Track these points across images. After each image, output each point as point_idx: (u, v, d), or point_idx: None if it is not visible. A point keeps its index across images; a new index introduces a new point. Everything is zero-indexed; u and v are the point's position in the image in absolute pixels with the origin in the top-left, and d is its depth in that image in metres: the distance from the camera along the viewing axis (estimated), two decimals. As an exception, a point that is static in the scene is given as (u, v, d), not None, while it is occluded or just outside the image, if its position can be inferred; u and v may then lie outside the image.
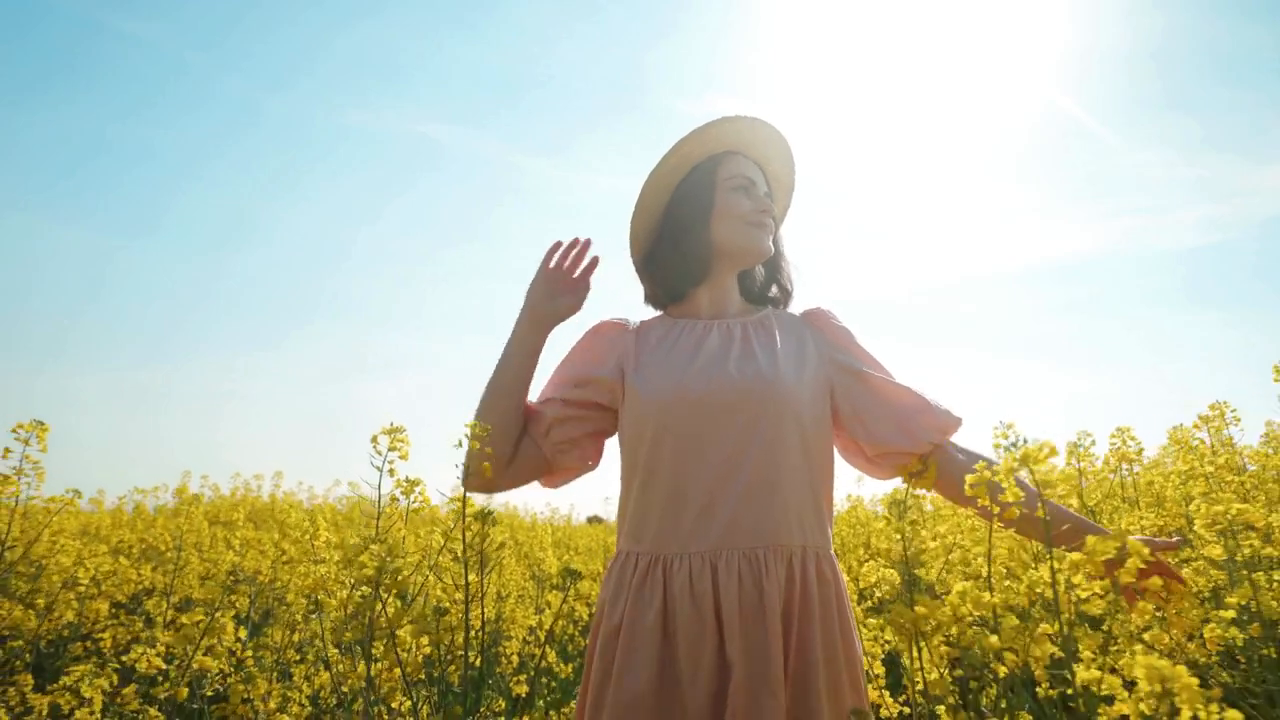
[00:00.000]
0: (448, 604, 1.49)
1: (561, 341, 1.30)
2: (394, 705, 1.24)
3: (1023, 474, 0.88)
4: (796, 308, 1.32)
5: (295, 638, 2.01)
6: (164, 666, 1.70)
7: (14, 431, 1.69)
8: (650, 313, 1.32)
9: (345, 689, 1.54)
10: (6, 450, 1.69)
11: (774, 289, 1.31)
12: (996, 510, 0.90)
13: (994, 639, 0.89)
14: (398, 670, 1.18)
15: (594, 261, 1.28)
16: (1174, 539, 1.02)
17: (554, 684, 2.21)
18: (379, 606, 1.12)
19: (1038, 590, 0.98)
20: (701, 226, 1.23)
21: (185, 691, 1.59)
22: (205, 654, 1.57)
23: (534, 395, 1.26)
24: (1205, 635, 1.08)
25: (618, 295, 1.37)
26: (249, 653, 1.78)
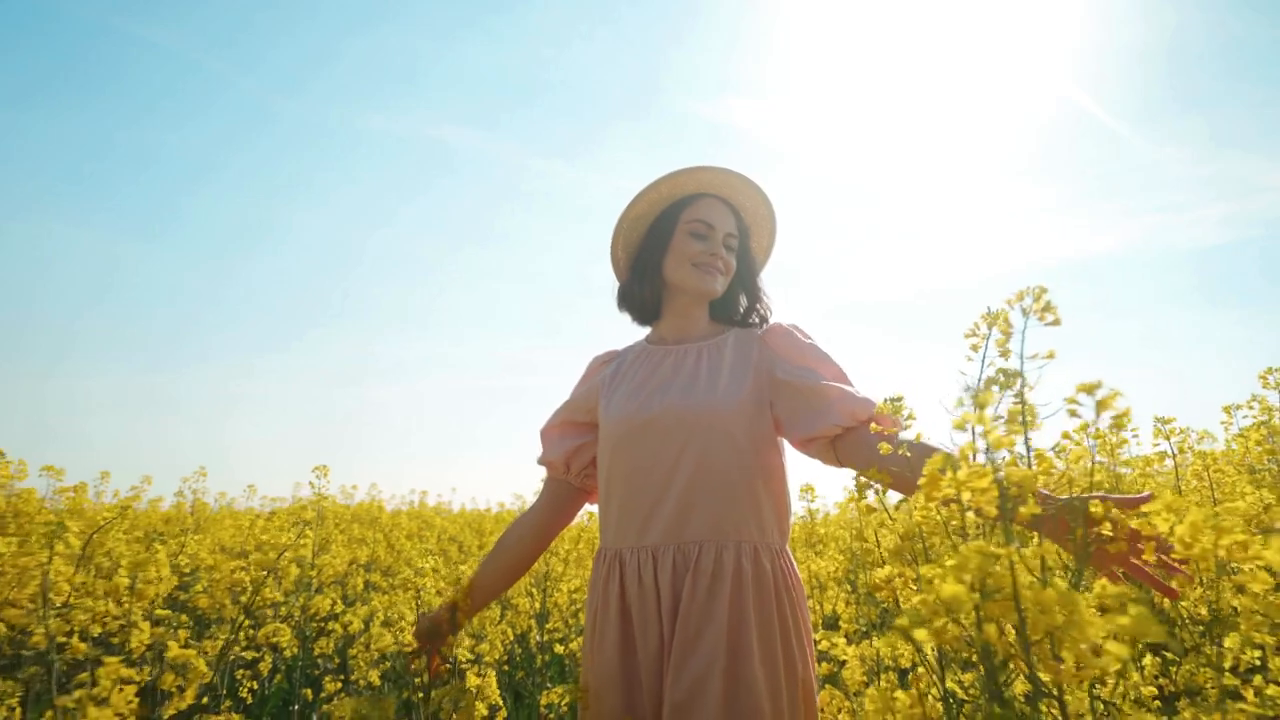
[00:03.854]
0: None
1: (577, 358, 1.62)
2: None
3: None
4: (785, 318, 1.41)
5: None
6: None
7: (314, 470, 2.73)
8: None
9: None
10: (311, 482, 2.73)
11: (754, 316, 1.42)
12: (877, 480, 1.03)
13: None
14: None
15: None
16: (1143, 494, 0.89)
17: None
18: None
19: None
20: (658, 264, 1.36)
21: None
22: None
23: (547, 418, 1.46)
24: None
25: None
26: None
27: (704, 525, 1.19)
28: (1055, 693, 0.64)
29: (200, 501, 4.03)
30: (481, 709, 1.22)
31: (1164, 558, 0.78)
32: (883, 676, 1.34)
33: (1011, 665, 0.66)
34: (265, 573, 1.82)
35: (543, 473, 1.45)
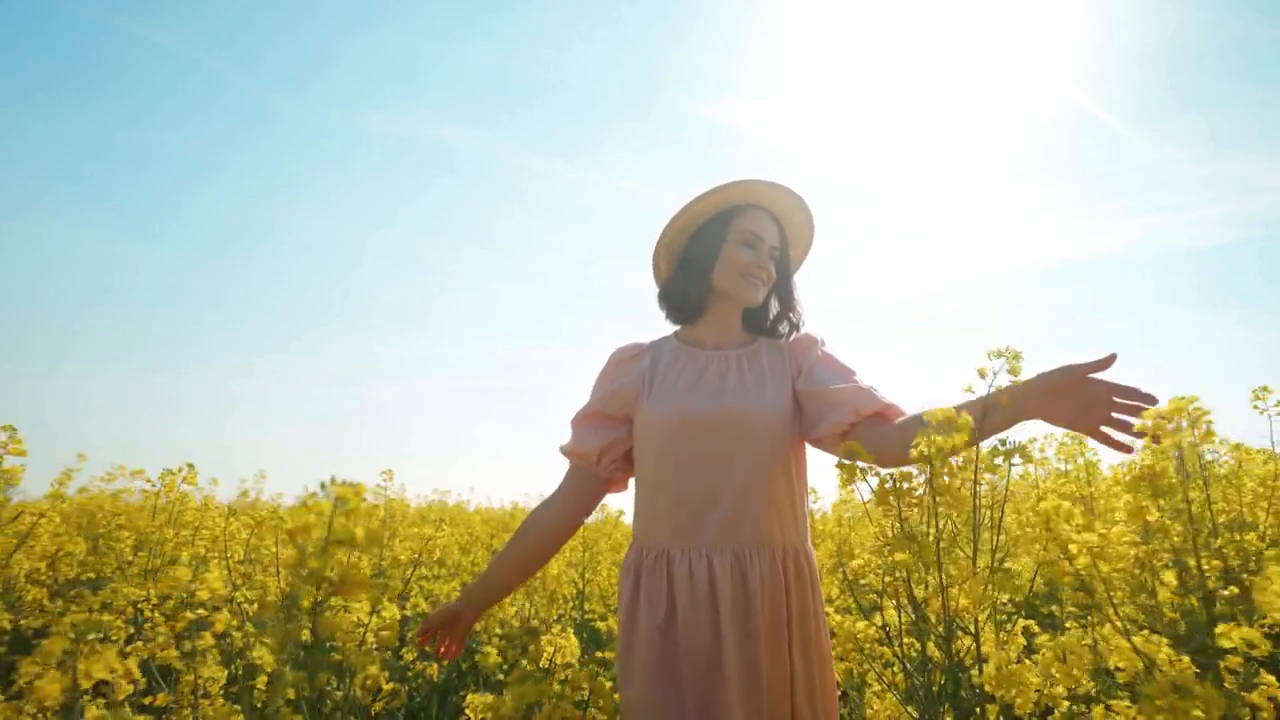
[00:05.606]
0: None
1: (591, 358, 1.55)
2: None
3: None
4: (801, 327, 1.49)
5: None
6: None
7: (380, 474, 3.15)
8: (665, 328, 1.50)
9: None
10: (378, 485, 3.16)
11: (784, 325, 1.47)
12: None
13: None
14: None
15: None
16: (1106, 356, 1.07)
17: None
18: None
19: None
20: (706, 270, 1.39)
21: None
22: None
23: (574, 411, 1.48)
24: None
25: (640, 296, 1.56)
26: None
27: (756, 528, 1.25)
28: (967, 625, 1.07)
29: (260, 501, 4.41)
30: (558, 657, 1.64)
31: (1138, 415, 1.02)
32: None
33: (933, 605, 1.10)
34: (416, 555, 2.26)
35: (553, 470, 1.63)
